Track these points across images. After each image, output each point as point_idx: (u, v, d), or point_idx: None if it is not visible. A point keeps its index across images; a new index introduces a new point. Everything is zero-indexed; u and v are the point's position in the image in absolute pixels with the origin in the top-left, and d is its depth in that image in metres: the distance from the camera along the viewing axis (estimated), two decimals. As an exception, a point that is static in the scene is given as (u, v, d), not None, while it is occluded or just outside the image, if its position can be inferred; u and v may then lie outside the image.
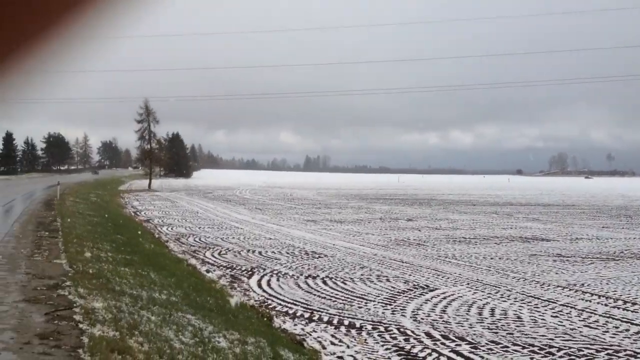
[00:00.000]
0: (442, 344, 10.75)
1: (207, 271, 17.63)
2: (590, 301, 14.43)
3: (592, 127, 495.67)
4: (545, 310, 13.48)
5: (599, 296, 14.99)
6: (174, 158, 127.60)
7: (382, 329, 11.61)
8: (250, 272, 17.55)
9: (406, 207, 50.22)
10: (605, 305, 14.07)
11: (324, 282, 16.12)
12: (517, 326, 12.08)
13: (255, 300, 13.94)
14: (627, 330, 11.92)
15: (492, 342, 10.92)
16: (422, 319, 12.48)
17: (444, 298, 14.47)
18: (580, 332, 11.72)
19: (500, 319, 12.59)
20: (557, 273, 18.27)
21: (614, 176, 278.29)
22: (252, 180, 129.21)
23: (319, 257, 20.57)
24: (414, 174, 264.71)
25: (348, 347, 10.46)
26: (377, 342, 10.74)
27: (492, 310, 13.35)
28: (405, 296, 14.59)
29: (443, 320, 12.38)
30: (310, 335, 11.13)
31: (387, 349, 10.38)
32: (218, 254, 21.03)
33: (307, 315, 12.59)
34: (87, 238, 17.34)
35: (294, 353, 9.15)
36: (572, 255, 22.04)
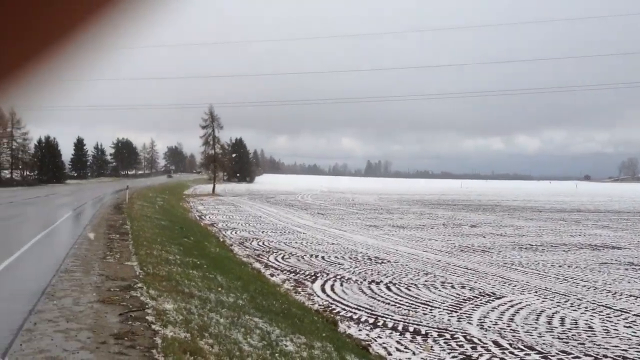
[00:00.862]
0: (511, 353, 10.54)
1: (271, 275, 17.81)
2: (666, 312, 13.86)
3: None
4: (618, 320, 13.04)
5: (676, 307, 14.38)
6: (237, 163, 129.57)
7: (448, 336, 11.46)
8: (313, 277, 17.64)
9: (470, 213, 49.41)
10: (683, 316, 13.48)
11: (388, 288, 16.04)
12: (589, 336, 11.72)
13: (320, 305, 13.99)
14: None
15: (563, 352, 10.63)
16: (489, 327, 12.26)
17: (512, 306, 14.18)
18: (657, 344, 11.27)
19: (570, 329, 12.24)
20: (629, 282, 17.64)
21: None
22: (313, 185, 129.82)
23: (382, 262, 20.49)
24: (477, 180, 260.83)
25: (414, 353, 10.38)
26: (444, 350, 10.61)
27: (562, 319, 13.00)
28: (471, 303, 14.37)
29: (511, 329, 12.13)
30: (376, 341, 11.09)
31: (453, 357, 10.25)
32: (281, 258, 21.21)
33: (371, 320, 12.55)
34: (156, 241, 17.78)
35: (360, 359, 9.13)
36: (646, 264, 21.23)
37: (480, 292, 15.64)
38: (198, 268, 14.15)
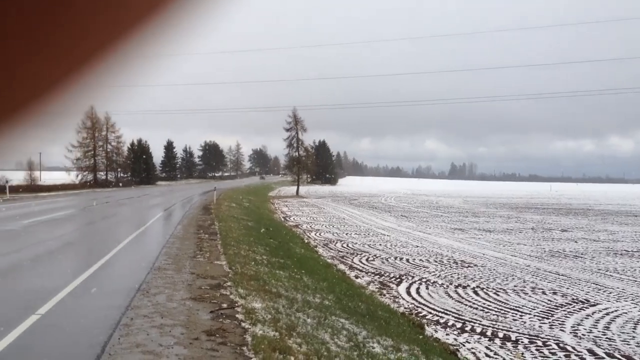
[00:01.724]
0: (608, 363, 10.08)
1: (356, 277, 17.80)
2: None
3: None
4: None
5: None
6: (321, 165, 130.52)
7: (539, 343, 11.09)
8: (398, 280, 17.49)
9: (560, 217, 47.65)
10: None
11: (475, 292, 15.70)
12: (694, 348, 11.05)
13: (405, 308, 13.86)
14: None
15: (665, 364, 10.07)
16: (584, 334, 11.77)
17: (607, 314, 13.56)
18: None
19: (673, 340, 11.58)
20: None
21: None
22: (396, 187, 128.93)
23: (469, 266, 20.08)
24: (567, 183, 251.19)
25: (504, 360, 10.10)
26: (535, 357, 10.28)
27: (664, 329, 12.31)
28: (564, 310, 13.84)
29: (606, 337, 11.61)
30: (464, 346, 10.87)
31: (546, 365, 9.91)
32: (366, 260, 21.16)
33: (459, 325, 12.32)
34: (243, 241, 18.14)
35: (448, 363, 8.98)
36: None
37: (573, 299, 15.05)
38: (284, 268, 14.33)
